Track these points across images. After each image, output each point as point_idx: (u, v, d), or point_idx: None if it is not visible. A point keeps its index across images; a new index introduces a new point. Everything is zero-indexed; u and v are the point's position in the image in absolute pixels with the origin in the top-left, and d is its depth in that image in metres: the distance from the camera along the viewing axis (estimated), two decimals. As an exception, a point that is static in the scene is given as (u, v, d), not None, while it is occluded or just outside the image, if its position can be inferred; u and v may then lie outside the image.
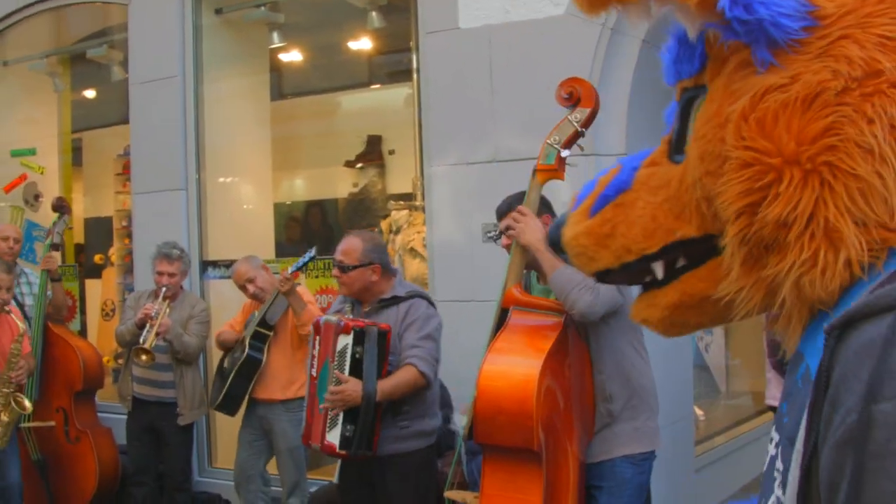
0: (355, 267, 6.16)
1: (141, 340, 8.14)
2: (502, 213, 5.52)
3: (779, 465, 1.51)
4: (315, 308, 7.79)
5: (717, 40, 1.62)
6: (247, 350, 7.84)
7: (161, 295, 8.35)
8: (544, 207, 5.36)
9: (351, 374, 5.97)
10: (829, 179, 1.43)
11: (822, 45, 1.50)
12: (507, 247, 5.45)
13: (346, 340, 6.00)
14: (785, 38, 1.51)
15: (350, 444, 5.98)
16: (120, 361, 8.63)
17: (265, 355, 7.88)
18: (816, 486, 1.35)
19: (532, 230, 5.07)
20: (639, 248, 1.78)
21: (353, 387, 5.90)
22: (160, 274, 8.44)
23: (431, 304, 6.23)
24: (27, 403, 8.16)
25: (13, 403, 8.03)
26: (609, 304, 5.00)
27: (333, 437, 6.02)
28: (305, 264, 7.60)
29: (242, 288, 8.02)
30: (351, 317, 6.21)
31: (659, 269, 1.80)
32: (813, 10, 1.51)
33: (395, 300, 6.15)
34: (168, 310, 8.34)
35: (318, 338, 6.24)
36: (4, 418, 8.05)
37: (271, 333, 7.87)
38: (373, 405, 5.90)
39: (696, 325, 1.89)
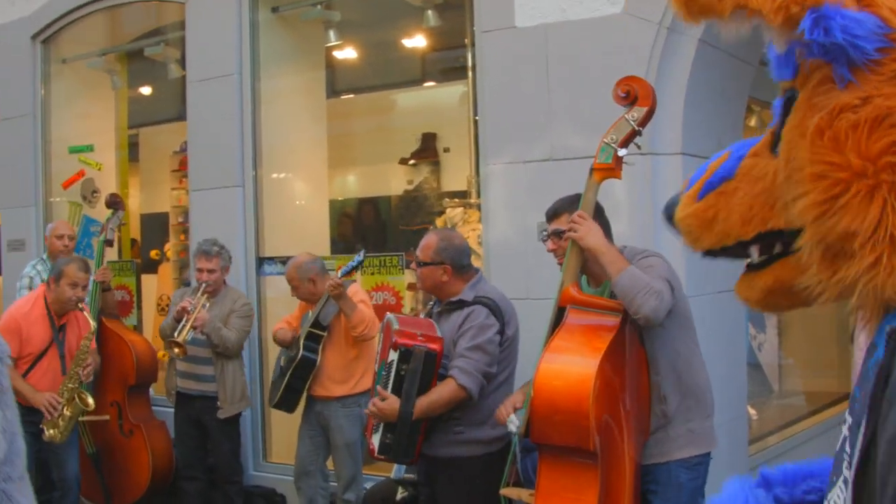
0: (427, 264, 6.18)
1: (175, 333, 8.25)
2: (550, 216, 5.54)
3: (847, 447, 1.59)
4: (367, 308, 7.80)
5: (801, 56, 1.70)
6: (301, 351, 7.87)
7: (200, 290, 8.45)
8: (595, 215, 5.34)
9: (394, 388, 5.98)
10: (891, 193, 1.54)
11: (895, 68, 1.60)
12: (553, 251, 5.48)
13: (393, 356, 6.02)
14: (862, 58, 1.60)
15: (388, 451, 6.08)
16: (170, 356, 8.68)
17: (319, 356, 7.90)
18: (873, 474, 1.44)
19: (593, 233, 5.07)
20: (736, 234, 1.91)
21: (391, 404, 5.93)
22: (199, 270, 8.55)
23: (495, 313, 6.08)
24: (90, 400, 8.30)
25: (77, 399, 8.15)
26: (669, 305, 5.00)
27: (375, 440, 6.11)
28: (354, 268, 7.61)
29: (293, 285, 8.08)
30: (422, 315, 6.24)
31: (755, 253, 1.93)
32: (889, 32, 1.60)
33: (461, 304, 6.12)
34: (206, 304, 8.43)
35: (382, 335, 6.29)
36: (67, 413, 8.17)
37: (325, 334, 7.90)
38: (408, 423, 5.92)
39: (789, 307, 2.01)
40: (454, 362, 5.94)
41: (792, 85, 1.79)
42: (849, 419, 1.64)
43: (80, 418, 8.80)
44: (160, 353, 9.69)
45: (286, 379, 7.93)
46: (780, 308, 2.01)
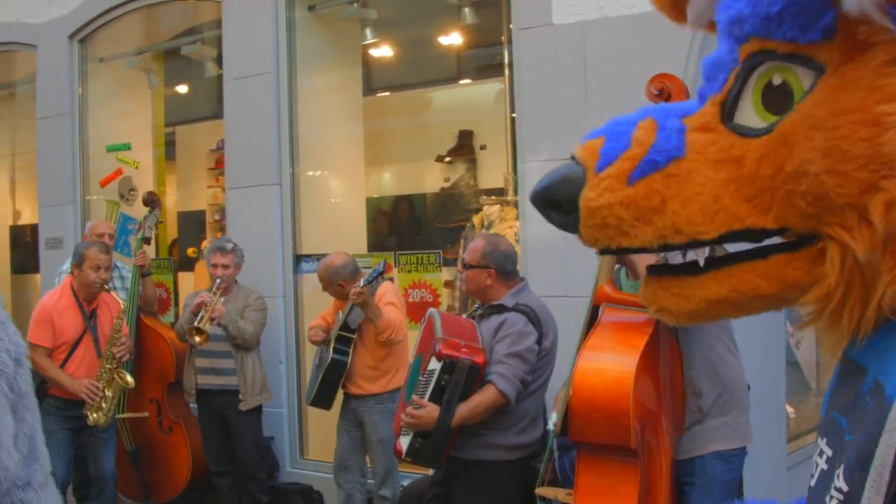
0: (472, 267, 6.19)
1: (196, 322, 8.35)
2: None
3: (840, 484, 1.39)
4: (394, 312, 7.80)
5: (865, 23, 1.40)
6: (331, 354, 7.92)
7: (215, 286, 8.55)
8: None
9: (432, 397, 5.98)
10: None
11: None
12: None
13: (436, 365, 6.01)
14: None
15: (417, 455, 6.07)
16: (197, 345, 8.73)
17: (350, 357, 7.94)
18: None
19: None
20: (692, 231, 1.57)
21: (430, 413, 5.92)
22: (214, 266, 8.66)
23: (534, 321, 6.07)
24: (129, 378, 8.41)
25: (117, 378, 8.22)
26: None
27: (404, 442, 6.11)
28: (375, 278, 7.60)
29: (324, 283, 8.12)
30: (465, 315, 6.24)
31: (701, 256, 1.61)
32: None
33: (500, 309, 6.11)
34: (222, 300, 8.54)
35: (422, 331, 6.29)
36: (109, 394, 8.23)
37: (354, 336, 7.92)
38: (444, 432, 5.92)
39: (718, 319, 1.72)
40: (494, 367, 5.93)
41: (795, 50, 1.48)
42: (828, 450, 1.46)
43: (119, 416, 8.87)
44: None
45: (319, 379, 7.97)
46: (709, 320, 1.66)
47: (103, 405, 8.27)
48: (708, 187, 1.55)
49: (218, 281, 8.57)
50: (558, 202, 1.72)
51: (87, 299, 8.37)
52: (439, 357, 5.97)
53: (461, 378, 5.90)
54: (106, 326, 8.43)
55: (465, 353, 5.98)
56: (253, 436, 8.86)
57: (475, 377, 5.92)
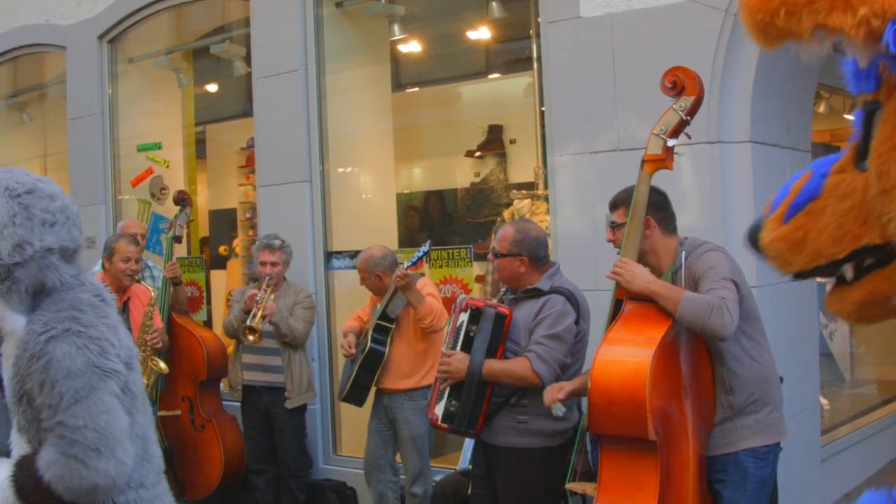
0: (504, 255, 6.16)
1: (248, 320, 8.35)
2: (610, 207, 5.54)
3: None
4: (435, 301, 7.82)
5: (885, 69, 1.73)
6: (369, 343, 7.91)
7: (264, 283, 8.54)
8: (651, 208, 5.33)
9: (462, 350, 6.01)
10: None
11: None
12: (611, 241, 5.48)
13: (463, 318, 6.06)
14: None
15: (452, 418, 6.02)
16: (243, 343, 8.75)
17: (388, 347, 7.94)
18: None
19: (638, 277, 5.12)
20: (829, 254, 1.94)
21: (460, 360, 5.95)
22: (263, 264, 8.65)
23: (572, 301, 6.04)
24: (163, 364, 8.48)
25: (151, 365, 8.27)
26: (738, 307, 4.96)
27: (439, 409, 6.10)
28: (420, 259, 7.61)
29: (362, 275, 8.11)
30: (495, 301, 6.23)
31: (849, 271, 1.96)
32: None
33: (537, 293, 6.08)
34: (272, 297, 8.53)
35: (451, 316, 6.29)
36: (145, 381, 8.27)
37: (393, 326, 7.93)
38: (476, 381, 5.90)
39: (881, 318, 2.03)
40: (532, 347, 5.89)
41: (874, 97, 1.80)
42: None
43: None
44: (230, 349, 9.74)
45: (354, 371, 7.97)
46: (872, 320, 2.02)
47: None
48: (835, 218, 1.94)
49: (267, 278, 8.57)
50: (753, 242, 2.16)
51: (118, 291, 8.40)
52: (465, 308, 6.05)
53: (488, 325, 5.94)
54: (138, 317, 8.46)
55: (491, 305, 6.07)
56: (296, 434, 8.89)
57: (501, 327, 5.95)
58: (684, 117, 5.10)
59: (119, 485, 3.28)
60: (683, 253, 5.27)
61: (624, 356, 4.93)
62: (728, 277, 5.03)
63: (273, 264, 8.64)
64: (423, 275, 8.77)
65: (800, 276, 2.06)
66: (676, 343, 5.01)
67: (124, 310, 8.41)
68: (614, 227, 5.56)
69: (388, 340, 7.95)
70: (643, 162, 5.16)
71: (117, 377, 3.33)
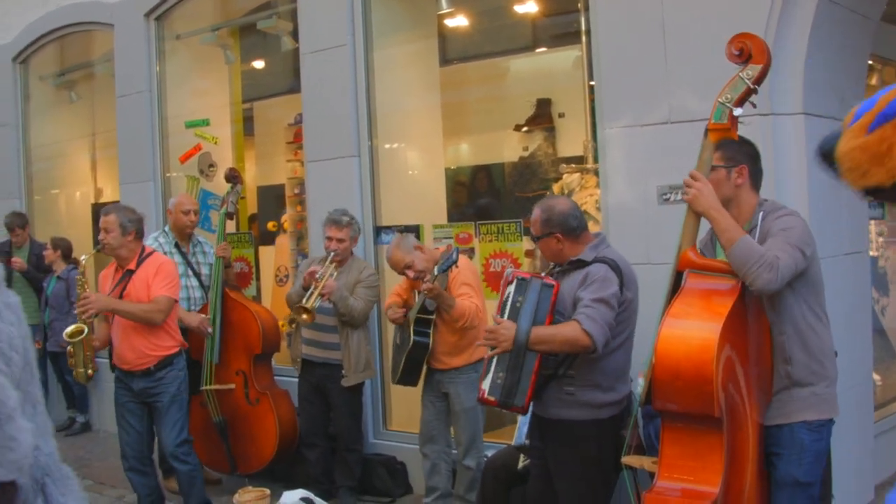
0: (539, 238, 6.15)
1: (303, 300, 8.35)
2: None
3: None
4: (466, 301, 7.78)
5: None
6: (412, 337, 7.94)
7: (329, 259, 8.54)
8: (744, 157, 5.30)
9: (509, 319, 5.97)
10: None
11: None
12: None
13: (510, 290, 6.00)
14: None
15: (498, 391, 5.92)
16: (293, 326, 8.77)
17: (432, 338, 7.96)
18: None
19: (705, 196, 5.00)
20: None
21: (507, 326, 5.85)
22: (329, 239, 8.67)
23: (615, 269, 5.95)
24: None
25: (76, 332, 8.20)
26: (790, 273, 4.92)
27: (486, 383, 6.00)
28: (450, 266, 7.57)
29: (402, 273, 8.10)
30: (544, 273, 6.21)
31: None
32: None
33: (580, 264, 6.02)
34: (334, 273, 8.53)
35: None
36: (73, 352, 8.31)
37: (433, 317, 7.93)
38: (523, 349, 5.81)
39: None
40: (580, 310, 5.80)
41: None
42: None
43: (207, 387, 9.01)
44: (280, 324, 9.78)
45: (403, 361, 8.00)
46: None
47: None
48: None
49: (332, 254, 8.60)
50: (825, 154, 2.11)
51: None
52: (512, 279, 6.00)
53: (534, 295, 5.88)
54: (138, 290, 8.23)
55: (538, 275, 6.03)
56: (353, 410, 8.94)
57: (549, 297, 5.88)
58: (751, 86, 5.02)
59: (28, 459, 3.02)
60: (761, 213, 5.21)
61: (690, 330, 4.82)
62: (795, 244, 4.98)
63: (339, 240, 8.67)
64: (472, 248, 8.79)
65: (872, 193, 2.01)
66: (742, 315, 4.95)
67: (124, 277, 8.32)
68: None
69: (431, 331, 7.96)
70: (707, 130, 5.09)
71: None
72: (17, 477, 2.95)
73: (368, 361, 8.87)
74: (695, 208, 5.04)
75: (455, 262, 7.55)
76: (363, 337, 8.82)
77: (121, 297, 8.15)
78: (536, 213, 6.18)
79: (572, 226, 6.09)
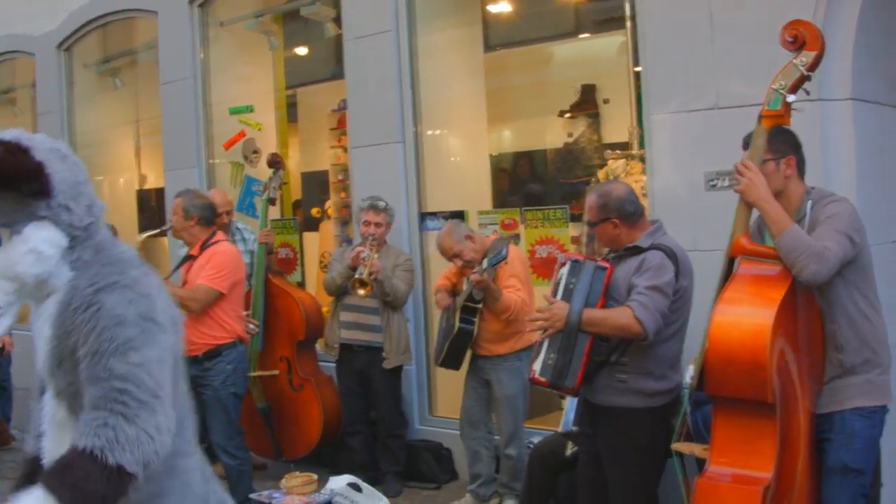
0: (595, 223, 6.13)
1: (357, 274, 8.47)
2: (744, 146, 5.43)
3: None
4: (513, 294, 7.81)
5: None
6: (458, 324, 7.95)
7: (368, 242, 8.66)
8: (790, 147, 5.25)
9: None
10: None
11: None
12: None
13: (563, 272, 6.02)
14: None
15: (550, 372, 5.94)
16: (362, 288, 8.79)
17: (476, 325, 7.97)
18: None
19: (757, 186, 4.96)
20: None
21: (560, 306, 5.87)
22: (367, 224, 8.77)
23: (671, 257, 5.91)
24: None
25: None
26: (839, 263, 4.87)
27: (537, 364, 6.02)
28: (497, 262, 7.56)
29: (451, 261, 8.11)
30: (599, 258, 6.20)
31: None
32: None
33: (636, 250, 6.00)
34: (376, 255, 8.63)
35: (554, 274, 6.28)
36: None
37: (479, 306, 7.93)
38: (575, 330, 5.82)
39: None
40: (633, 297, 5.79)
41: None
42: None
43: (251, 373, 9.01)
44: (324, 309, 9.79)
45: (446, 348, 8.04)
46: None
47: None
48: None
49: (371, 238, 8.66)
50: None
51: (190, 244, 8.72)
52: (565, 262, 6.03)
53: (587, 277, 5.90)
54: (191, 278, 8.36)
55: (592, 258, 6.08)
56: (394, 393, 9.00)
57: (602, 279, 5.90)
58: (805, 72, 4.97)
59: (168, 442, 3.06)
60: (810, 202, 5.17)
61: (744, 317, 4.80)
62: (843, 231, 4.93)
63: (377, 225, 8.76)
64: (517, 235, 8.77)
65: None
66: (794, 302, 4.91)
67: (186, 261, 8.47)
68: None
69: (477, 318, 7.97)
70: (760, 117, 5.05)
71: (166, 337, 3.17)
72: (138, 472, 2.95)
73: (408, 344, 8.99)
74: (746, 198, 5.01)
75: (504, 258, 7.55)
76: (402, 320, 8.93)
77: (185, 281, 8.25)
78: (592, 198, 6.16)
79: (629, 211, 6.07)
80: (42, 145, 3.17)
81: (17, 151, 3.06)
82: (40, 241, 3.15)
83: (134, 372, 2.99)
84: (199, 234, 8.36)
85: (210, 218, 8.47)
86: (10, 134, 3.12)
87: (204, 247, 8.30)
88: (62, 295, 3.17)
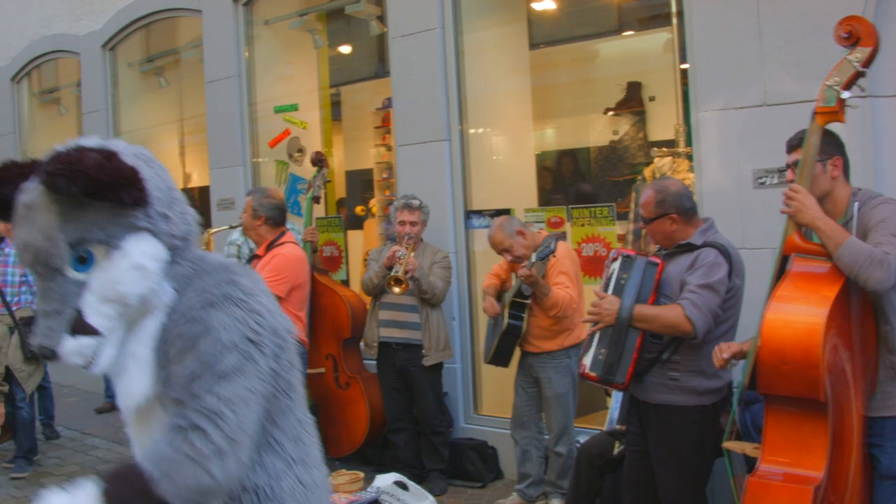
0: (652, 219, 6.10)
1: (393, 272, 8.52)
2: (788, 148, 5.39)
3: None
4: (561, 290, 7.78)
5: None
6: (507, 320, 7.95)
7: (404, 241, 8.71)
8: (835, 148, 5.21)
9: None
10: None
11: None
12: (791, 182, 5.31)
13: (614, 267, 6.03)
14: None
15: (600, 367, 5.94)
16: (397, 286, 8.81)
17: (525, 322, 7.96)
18: None
19: (808, 208, 4.92)
20: None
21: (611, 301, 5.88)
22: (402, 223, 8.81)
23: (725, 255, 5.89)
24: None
25: None
26: None
27: (587, 359, 6.01)
28: (546, 256, 7.54)
29: (501, 255, 8.10)
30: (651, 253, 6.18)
31: None
32: None
33: (689, 247, 5.99)
34: (412, 254, 8.68)
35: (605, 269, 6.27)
36: None
37: (528, 301, 7.92)
38: (626, 325, 5.82)
39: None
40: (685, 295, 5.78)
41: None
42: None
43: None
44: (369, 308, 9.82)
45: (495, 344, 8.02)
46: None
47: None
48: None
49: (406, 238, 8.70)
50: None
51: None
52: (616, 257, 6.04)
53: (639, 273, 5.91)
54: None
55: (643, 253, 6.05)
56: (434, 390, 9.00)
57: (653, 276, 5.90)
58: (860, 69, 4.93)
59: (228, 489, 2.82)
60: (857, 204, 5.12)
61: (796, 314, 4.76)
62: None
63: (412, 224, 8.79)
64: (564, 233, 8.74)
65: None
66: (848, 301, 4.87)
67: (252, 259, 8.55)
68: (796, 167, 5.38)
69: (526, 314, 7.96)
70: (814, 114, 5.01)
71: (265, 360, 2.88)
72: None
73: (447, 341, 8.99)
74: (798, 221, 4.97)
75: (552, 251, 7.52)
76: (441, 317, 8.95)
77: None
78: (649, 194, 6.14)
79: (686, 206, 6.07)
80: (127, 150, 2.88)
81: (112, 157, 2.73)
82: (142, 256, 2.82)
83: (218, 407, 2.73)
84: (265, 234, 8.39)
85: (278, 218, 8.46)
86: (92, 141, 2.82)
87: (269, 247, 8.33)
88: (164, 315, 2.88)
